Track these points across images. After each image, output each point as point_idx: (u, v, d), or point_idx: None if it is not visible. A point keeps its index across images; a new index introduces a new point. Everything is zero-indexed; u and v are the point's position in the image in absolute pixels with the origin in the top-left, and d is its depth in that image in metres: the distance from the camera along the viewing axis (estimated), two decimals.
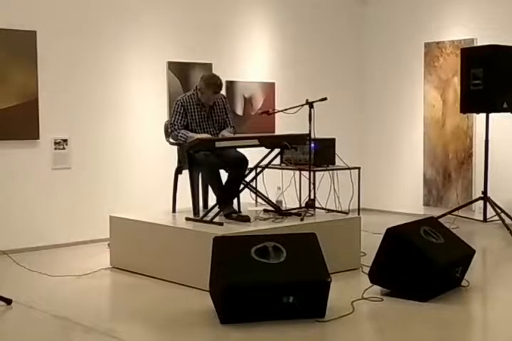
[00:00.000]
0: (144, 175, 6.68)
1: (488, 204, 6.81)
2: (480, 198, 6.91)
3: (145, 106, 6.78)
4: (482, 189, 6.84)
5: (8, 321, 4.22)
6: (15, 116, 5.99)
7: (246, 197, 5.77)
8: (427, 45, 8.00)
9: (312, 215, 5.52)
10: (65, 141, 6.35)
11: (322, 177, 6.63)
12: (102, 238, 5.96)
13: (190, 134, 5.31)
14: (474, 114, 7.31)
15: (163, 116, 6.58)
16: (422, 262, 4.47)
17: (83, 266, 5.46)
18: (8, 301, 4.40)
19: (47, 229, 6.14)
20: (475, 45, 7.36)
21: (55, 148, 6.30)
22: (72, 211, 6.32)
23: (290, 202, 6.16)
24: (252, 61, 7.66)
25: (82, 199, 6.38)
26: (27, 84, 6.04)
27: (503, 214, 6.70)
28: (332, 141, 6.60)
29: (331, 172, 6.65)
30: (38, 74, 6.08)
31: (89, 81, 6.44)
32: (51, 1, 6.16)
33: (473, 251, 4.95)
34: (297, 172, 6.64)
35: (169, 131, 5.53)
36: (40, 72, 6.09)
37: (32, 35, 6.02)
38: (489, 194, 6.80)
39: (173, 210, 5.66)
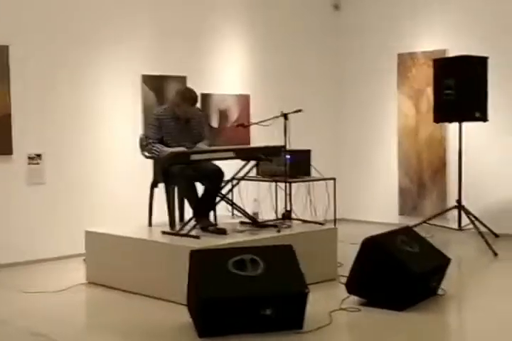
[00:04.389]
0: (120, 189, 6.64)
1: (462, 212, 6.87)
2: (454, 207, 6.97)
3: (120, 120, 6.75)
4: (456, 198, 6.90)
5: None
6: None
7: (222, 209, 5.78)
8: (400, 56, 8.10)
9: (289, 227, 5.53)
10: (39, 155, 6.29)
11: (298, 188, 6.65)
12: (78, 253, 5.89)
13: (165, 148, 5.31)
14: (447, 124, 7.39)
15: (137, 129, 6.55)
16: (399, 271, 4.50)
17: (59, 282, 5.40)
18: None
19: (22, 244, 6.06)
20: (447, 55, 7.44)
21: (29, 163, 6.24)
22: (47, 226, 6.25)
23: (266, 214, 6.18)
24: (227, 73, 7.68)
25: (57, 215, 6.33)
26: None
27: (477, 223, 6.76)
28: (307, 153, 6.64)
29: (306, 183, 6.69)
30: (11, 89, 6.03)
31: (62, 95, 6.41)
32: (24, 15, 6.13)
33: (449, 260, 4.99)
34: (273, 184, 6.66)
35: (144, 145, 5.53)
36: (13, 86, 6.04)
37: (4, 49, 5.98)
38: (463, 202, 6.86)
39: (150, 224, 5.63)
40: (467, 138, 6.96)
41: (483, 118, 6.71)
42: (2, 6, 5.99)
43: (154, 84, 6.97)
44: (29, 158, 6.25)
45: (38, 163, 6.31)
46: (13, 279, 5.53)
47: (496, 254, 6.24)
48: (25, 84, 6.16)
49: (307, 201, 6.70)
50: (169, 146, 5.39)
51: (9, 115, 6.04)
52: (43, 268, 6.00)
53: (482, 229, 6.74)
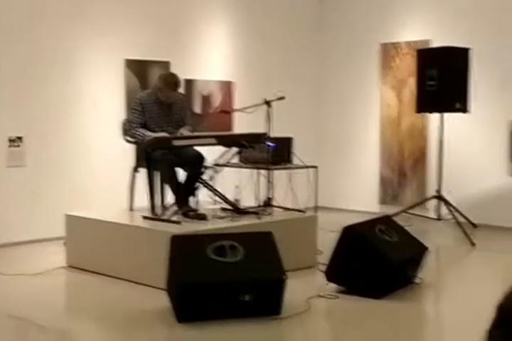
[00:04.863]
0: (101, 173, 6.61)
1: (441, 202, 6.93)
2: (434, 197, 7.03)
3: (102, 104, 6.71)
4: (436, 188, 6.96)
5: None
6: None
7: (204, 195, 5.78)
8: (383, 46, 8.10)
9: (269, 214, 5.55)
10: (20, 138, 6.25)
11: (279, 176, 6.66)
12: (58, 236, 5.86)
13: (148, 133, 5.30)
14: (429, 114, 7.42)
15: (120, 114, 6.52)
16: (377, 260, 4.54)
17: (38, 265, 5.38)
18: None
19: (2, 227, 6.03)
20: (430, 46, 7.45)
21: (10, 146, 6.20)
22: (27, 209, 6.23)
23: (248, 201, 6.18)
24: (211, 59, 7.65)
25: (38, 198, 6.29)
26: None
27: (456, 213, 6.81)
28: (289, 140, 6.64)
29: (288, 171, 6.71)
30: None
31: (45, 79, 6.34)
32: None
33: (427, 249, 5.04)
34: (255, 171, 6.66)
35: (127, 129, 5.52)
36: None
37: None
38: (443, 193, 6.92)
39: (131, 209, 5.63)
40: (448, 128, 7.00)
41: (464, 109, 6.75)
42: None
43: (137, 68, 6.93)
44: (10, 140, 6.19)
45: (18, 146, 6.26)
46: None
47: (473, 244, 6.29)
48: (5, 66, 6.08)
49: (288, 189, 6.72)
50: (152, 131, 5.38)
51: None
52: (21, 251, 5.97)
53: (460, 219, 6.78)
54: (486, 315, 2.42)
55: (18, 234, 6.15)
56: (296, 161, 6.60)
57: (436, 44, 7.36)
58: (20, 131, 6.24)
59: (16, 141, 6.24)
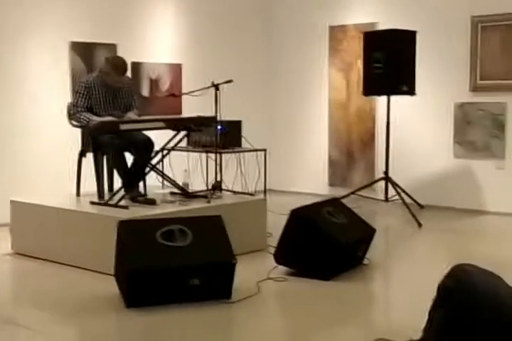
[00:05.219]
0: (47, 158, 6.48)
1: (389, 184, 7.03)
2: (382, 178, 7.12)
3: (47, 87, 6.57)
4: (384, 169, 7.04)
5: None
6: None
7: (152, 179, 5.74)
8: (332, 29, 8.12)
9: (219, 197, 5.55)
10: None
11: (229, 159, 6.66)
12: (4, 223, 5.75)
13: (94, 117, 5.23)
14: (376, 97, 7.49)
15: (66, 97, 6.38)
16: (325, 242, 4.59)
17: None
18: None
19: None
20: (377, 28, 7.50)
21: None
22: None
23: (197, 185, 6.17)
24: (159, 42, 7.56)
25: None
26: None
27: (403, 194, 6.93)
28: (238, 123, 6.64)
29: (237, 154, 6.71)
30: None
31: None
32: None
33: (374, 230, 5.11)
34: (204, 155, 6.64)
35: (72, 113, 5.43)
36: None
37: None
38: (390, 174, 7.01)
39: (78, 194, 5.55)
40: (395, 111, 7.08)
41: (411, 91, 6.83)
42: None
43: (83, 51, 6.80)
44: None
45: None
46: None
47: (420, 225, 6.40)
48: None
49: (238, 172, 6.72)
50: (98, 115, 5.32)
51: None
52: None
53: (408, 200, 6.90)
54: (430, 294, 2.49)
55: None
56: (245, 144, 6.60)
57: (383, 27, 7.41)
58: None
59: None
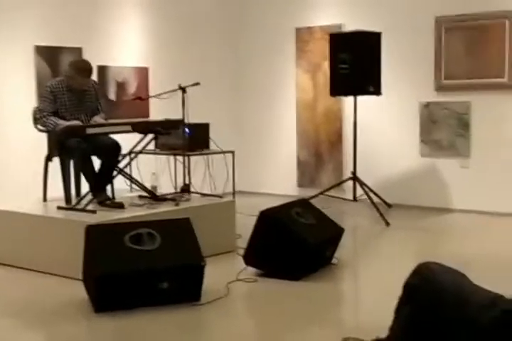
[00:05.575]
0: (13, 163, 6.37)
1: (357, 183, 7.07)
2: (349, 178, 7.16)
3: (12, 92, 6.47)
4: (352, 169, 7.09)
5: None
6: None
7: (120, 183, 5.71)
8: (298, 30, 8.15)
9: (187, 200, 5.53)
10: None
11: (197, 162, 6.64)
12: None
13: (60, 122, 5.19)
14: (343, 97, 7.53)
15: (31, 101, 6.32)
16: (294, 242, 4.61)
17: None
18: None
19: None
20: (343, 30, 7.55)
21: None
22: None
23: (165, 188, 6.15)
24: (125, 45, 7.51)
25: None
26: None
27: (371, 193, 6.98)
28: (206, 126, 6.64)
29: (205, 156, 6.70)
30: None
31: None
32: None
33: (343, 230, 5.15)
34: (172, 158, 6.63)
35: (38, 118, 5.38)
36: None
37: None
38: (358, 174, 7.05)
39: (44, 199, 5.50)
40: (362, 111, 7.13)
41: (377, 92, 6.88)
42: None
43: (48, 55, 6.72)
44: None
45: None
46: None
47: (387, 223, 6.45)
48: None
49: (206, 174, 6.72)
50: (64, 119, 5.28)
51: None
52: None
53: (375, 199, 6.95)
54: (398, 292, 2.51)
55: None
56: (213, 147, 6.60)
57: (348, 28, 7.48)
58: None
59: None
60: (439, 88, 7.23)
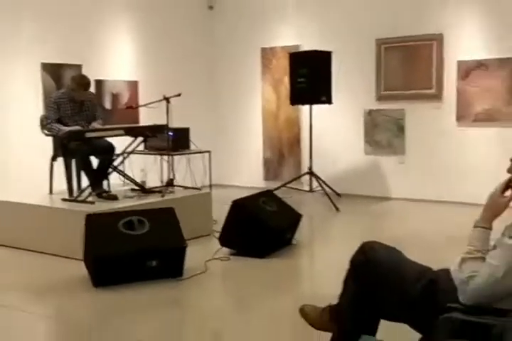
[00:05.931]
0: (23, 163, 6.24)
1: (313, 177, 7.08)
2: (306, 173, 7.17)
3: (23, 103, 6.35)
4: (308, 165, 7.10)
5: None
6: None
7: (115, 178, 5.63)
8: (263, 50, 8.13)
9: (171, 192, 5.49)
10: None
11: (179, 160, 6.61)
12: None
13: (63, 127, 5.13)
14: (301, 106, 7.54)
15: (39, 111, 6.21)
16: (260, 227, 4.61)
17: None
18: None
19: None
20: (300, 49, 7.54)
21: None
22: None
23: (153, 182, 6.09)
24: (118, 62, 7.42)
25: None
26: None
27: (324, 185, 6.99)
28: (187, 130, 6.60)
29: (186, 155, 6.66)
30: None
31: None
32: None
33: (301, 216, 5.15)
34: (158, 157, 6.58)
35: (44, 124, 5.31)
36: None
37: None
38: (313, 169, 7.07)
39: (51, 192, 5.41)
40: (316, 117, 7.15)
41: (329, 101, 6.90)
42: None
43: (53, 71, 6.61)
44: None
45: None
46: None
47: (338, 210, 6.46)
48: None
49: (187, 170, 6.68)
50: (67, 125, 5.21)
51: None
52: None
53: (328, 190, 6.96)
54: (346, 267, 2.52)
55: None
56: (193, 147, 6.56)
57: (305, 48, 7.47)
58: None
59: None
60: (379, 98, 7.28)
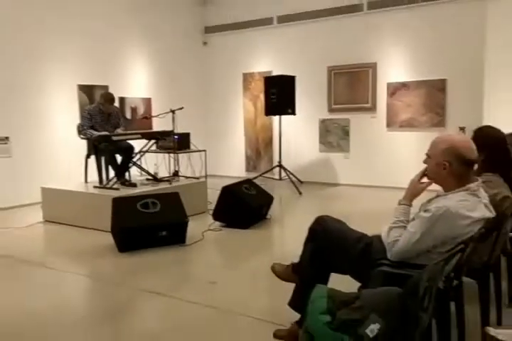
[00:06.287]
0: (65, 160, 6.20)
1: (282, 169, 7.10)
2: (277, 166, 7.18)
3: (64, 114, 6.28)
4: (278, 160, 7.11)
5: None
6: None
7: (134, 171, 5.60)
8: (244, 74, 8.11)
9: (177, 181, 5.47)
10: (7, 138, 5.77)
11: (182, 156, 6.58)
12: (37, 202, 5.45)
13: (95, 133, 5.07)
14: (273, 116, 7.54)
15: (76, 120, 6.13)
16: (243, 205, 4.62)
17: (22, 221, 5.04)
18: None
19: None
20: (272, 74, 7.54)
21: (0, 143, 5.71)
22: (15, 184, 5.77)
23: (163, 173, 6.06)
24: (136, 83, 7.35)
25: (21, 177, 5.85)
26: None
27: (290, 175, 7.02)
28: (188, 134, 6.54)
29: (188, 153, 6.63)
30: None
31: (25, 96, 5.87)
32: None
33: (273, 198, 5.16)
34: (167, 154, 6.54)
35: (80, 130, 5.24)
36: None
37: None
38: (282, 163, 7.09)
39: (86, 181, 5.36)
40: (284, 125, 7.17)
41: (293, 112, 6.90)
42: None
43: (86, 90, 6.54)
44: (0, 139, 5.71)
45: (6, 143, 5.78)
46: None
47: (300, 193, 6.48)
48: None
49: (188, 164, 6.65)
50: (97, 131, 5.15)
51: None
52: (11, 212, 5.56)
53: (293, 178, 6.99)
54: (305, 234, 2.54)
55: (8, 200, 5.71)
56: (192, 147, 6.53)
57: (275, 73, 7.48)
58: (7, 133, 5.76)
59: (4, 140, 5.76)
60: (331, 110, 7.31)
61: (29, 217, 5.20)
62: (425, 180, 2.18)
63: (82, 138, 5.30)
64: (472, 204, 2.02)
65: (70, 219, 4.89)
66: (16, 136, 5.85)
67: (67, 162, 6.22)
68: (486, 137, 2.63)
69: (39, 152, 6.05)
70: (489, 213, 2.07)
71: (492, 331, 1.96)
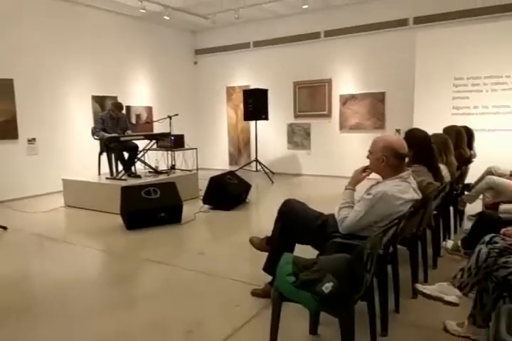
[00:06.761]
0: (82, 157, 6.04)
1: (258, 163, 7.08)
2: (254, 160, 7.13)
3: (81, 119, 6.12)
4: (255, 156, 7.07)
5: (7, 237, 3.73)
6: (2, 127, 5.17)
7: (139, 165, 5.49)
8: (228, 88, 8.02)
9: (174, 173, 5.38)
10: (34, 139, 5.59)
11: (178, 153, 6.49)
12: (59, 190, 5.31)
13: (106, 134, 4.96)
14: (250, 121, 7.49)
15: (90, 124, 5.97)
16: (227, 192, 4.59)
17: (47, 206, 4.92)
18: (5, 227, 3.89)
19: (26, 186, 5.42)
20: (250, 87, 7.47)
21: (28, 143, 5.53)
22: (40, 176, 5.60)
23: (162, 167, 5.97)
24: (139, 94, 7.18)
25: (46, 170, 5.67)
26: (6, 111, 5.20)
27: (265, 168, 6.98)
28: (182, 135, 6.46)
29: (183, 151, 6.55)
30: (16, 103, 5.28)
31: (50, 105, 5.68)
32: (26, 51, 5.33)
33: (250, 186, 5.13)
34: (165, 152, 6.44)
35: (94, 132, 5.11)
36: (18, 99, 5.29)
37: (10, 81, 5.17)
38: (259, 158, 7.04)
39: (99, 174, 5.24)
40: (259, 128, 7.13)
41: (266, 118, 6.86)
42: (5, 45, 5.14)
43: (99, 100, 6.37)
44: (28, 140, 5.52)
45: (33, 143, 5.60)
46: (19, 206, 4.94)
47: (272, 182, 6.43)
48: (27, 101, 5.38)
49: (183, 160, 6.57)
50: (108, 133, 5.03)
51: (15, 117, 5.28)
52: (37, 199, 5.40)
53: (266, 170, 6.96)
54: (276, 214, 2.55)
55: (35, 189, 5.55)
56: (186, 146, 6.45)
57: (252, 86, 7.41)
58: (34, 134, 5.58)
59: (32, 140, 5.57)
60: (296, 116, 7.30)
61: (53, 203, 5.08)
62: (366, 173, 2.20)
63: (96, 139, 5.17)
64: (404, 189, 2.07)
65: (87, 204, 4.79)
66: (42, 137, 5.67)
67: (83, 158, 6.07)
68: (415, 137, 2.70)
69: (60, 150, 5.89)
70: (417, 195, 2.12)
71: (420, 287, 2.02)
